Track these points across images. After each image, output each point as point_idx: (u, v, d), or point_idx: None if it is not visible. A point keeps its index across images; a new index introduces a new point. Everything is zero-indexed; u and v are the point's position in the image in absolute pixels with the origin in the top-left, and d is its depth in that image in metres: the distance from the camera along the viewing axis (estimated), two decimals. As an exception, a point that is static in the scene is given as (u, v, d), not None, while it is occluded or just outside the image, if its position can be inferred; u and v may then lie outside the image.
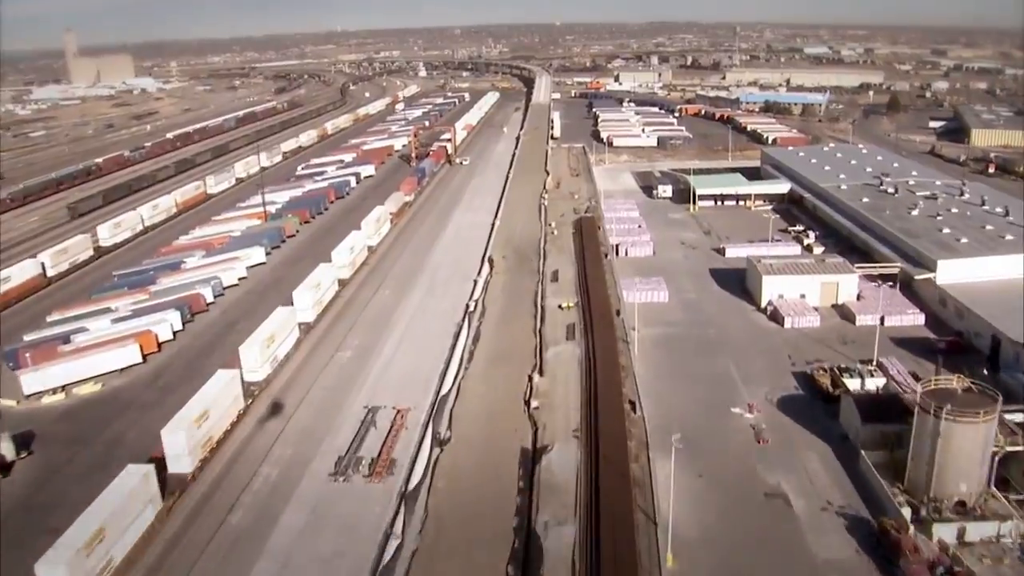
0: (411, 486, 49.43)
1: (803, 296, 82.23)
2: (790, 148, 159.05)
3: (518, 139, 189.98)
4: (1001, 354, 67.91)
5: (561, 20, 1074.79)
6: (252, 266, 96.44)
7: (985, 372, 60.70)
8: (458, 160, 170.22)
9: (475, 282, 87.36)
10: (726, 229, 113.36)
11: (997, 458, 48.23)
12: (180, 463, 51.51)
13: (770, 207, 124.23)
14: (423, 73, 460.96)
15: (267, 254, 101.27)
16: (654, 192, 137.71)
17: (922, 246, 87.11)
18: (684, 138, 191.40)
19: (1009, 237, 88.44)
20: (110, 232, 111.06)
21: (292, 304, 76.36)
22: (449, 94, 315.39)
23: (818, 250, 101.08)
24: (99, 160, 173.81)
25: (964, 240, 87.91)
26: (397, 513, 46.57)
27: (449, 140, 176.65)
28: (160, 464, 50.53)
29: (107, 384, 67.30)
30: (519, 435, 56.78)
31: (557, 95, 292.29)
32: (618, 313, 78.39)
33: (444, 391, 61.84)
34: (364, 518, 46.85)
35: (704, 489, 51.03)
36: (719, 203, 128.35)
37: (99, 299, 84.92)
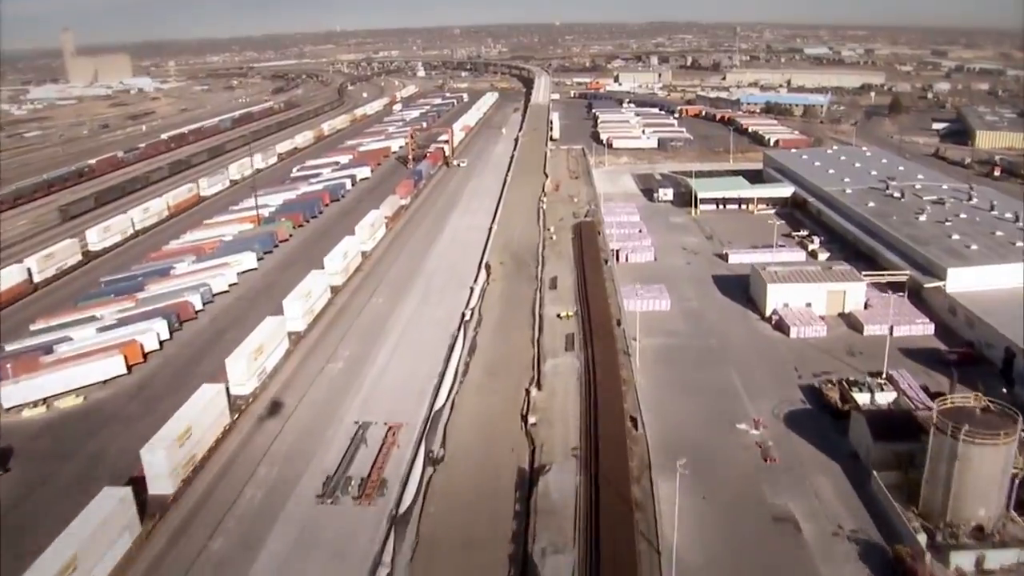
0: (402, 509, 47.23)
1: (809, 305, 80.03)
2: (793, 150, 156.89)
3: (517, 140, 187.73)
4: (1015, 366, 65.78)
5: (561, 20, 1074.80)
6: (243, 272, 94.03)
7: (1004, 391, 58.30)
8: (456, 162, 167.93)
9: (471, 289, 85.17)
10: (729, 234, 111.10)
11: (1017, 480, 46.18)
12: (161, 484, 49.51)
13: (773, 211, 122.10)
14: (422, 73, 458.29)
15: (259, 259, 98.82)
16: (655, 195, 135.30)
17: (931, 253, 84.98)
18: (685, 140, 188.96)
19: (1020, 244, 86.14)
20: (99, 236, 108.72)
21: (282, 313, 74.18)
22: (447, 94, 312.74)
23: (823, 256, 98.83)
24: (92, 161, 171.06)
25: (974, 247, 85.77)
26: (387, 539, 44.39)
27: (447, 141, 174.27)
28: (140, 484, 48.48)
29: (89, 396, 65.06)
30: (516, 454, 54.43)
31: (556, 96, 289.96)
32: (618, 323, 75.97)
33: (438, 405, 59.57)
34: (353, 544, 44.85)
35: (709, 512, 48.87)
36: (721, 207, 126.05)
37: (85, 307, 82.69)
